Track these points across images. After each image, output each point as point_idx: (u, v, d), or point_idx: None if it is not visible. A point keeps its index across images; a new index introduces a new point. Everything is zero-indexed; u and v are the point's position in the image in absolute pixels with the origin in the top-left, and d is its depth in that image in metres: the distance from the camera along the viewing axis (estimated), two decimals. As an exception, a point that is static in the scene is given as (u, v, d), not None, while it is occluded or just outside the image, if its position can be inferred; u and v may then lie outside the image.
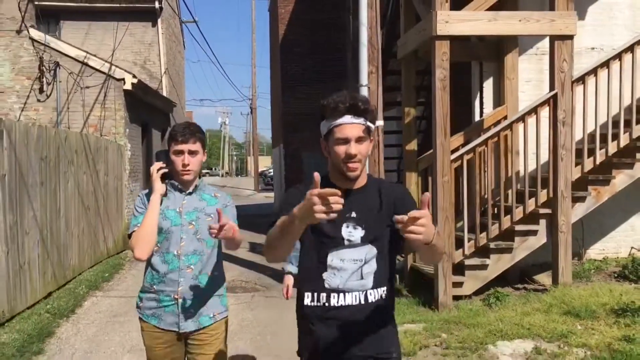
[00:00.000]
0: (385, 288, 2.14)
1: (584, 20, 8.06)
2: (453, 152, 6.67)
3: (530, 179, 6.73)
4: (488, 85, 8.05)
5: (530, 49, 7.97)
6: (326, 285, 2.11)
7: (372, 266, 2.11)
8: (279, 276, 8.87)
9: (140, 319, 2.90)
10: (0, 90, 11.37)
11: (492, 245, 6.60)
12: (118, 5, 16.35)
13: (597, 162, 6.74)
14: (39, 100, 11.55)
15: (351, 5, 6.95)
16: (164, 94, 17.12)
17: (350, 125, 2.01)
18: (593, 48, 8.04)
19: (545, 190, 6.63)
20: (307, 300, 2.14)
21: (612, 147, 6.75)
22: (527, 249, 6.70)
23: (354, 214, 2.10)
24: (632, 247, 7.90)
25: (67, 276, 7.93)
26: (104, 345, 5.53)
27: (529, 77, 7.95)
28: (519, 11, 6.85)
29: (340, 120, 2.02)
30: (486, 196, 6.69)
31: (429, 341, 5.29)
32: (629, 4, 8.13)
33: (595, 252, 7.95)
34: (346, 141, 2.02)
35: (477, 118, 8.06)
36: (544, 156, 6.74)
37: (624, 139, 6.76)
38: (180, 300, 2.78)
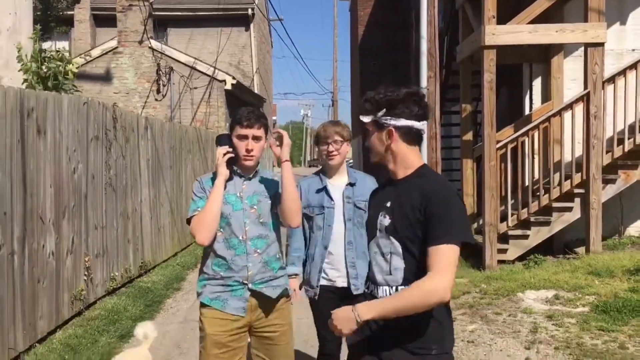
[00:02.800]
0: None
1: (625, 25, 9.14)
2: (501, 141, 8.05)
3: (567, 165, 7.99)
4: (537, 83, 9.30)
5: (575, 52, 9.13)
6: (370, 274, 2.21)
7: (400, 262, 2.08)
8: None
9: (201, 304, 2.80)
10: (126, 92, 13.65)
11: (532, 219, 7.93)
12: (216, 13, 18.49)
13: (626, 150, 7.90)
14: (156, 100, 13.77)
15: (414, 21, 8.43)
16: (255, 90, 19.15)
17: (363, 124, 2.18)
18: (634, 50, 9.08)
19: (579, 174, 7.87)
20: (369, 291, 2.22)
21: (639, 137, 7.89)
22: (563, 222, 7.98)
23: (388, 204, 2.13)
24: (667, 225, 8.93)
25: (187, 242, 9.95)
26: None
27: (574, 76, 9.11)
28: (555, 23, 8.07)
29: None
30: (528, 178, 8.02)
31: (470, 289, 6.78)
32: (668, 9, 9.11)
33: (634, 229, 9.04)
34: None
35: (527, 112, 9.33)
36: (580, 146, 7.98)
37: (650, 130, 7.88)
38: (250, 285, 2.74)
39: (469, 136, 9.15)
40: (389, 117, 2.09)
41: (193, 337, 5.43)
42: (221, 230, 2.73)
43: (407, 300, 1.93)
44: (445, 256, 1.95)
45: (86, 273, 5.75)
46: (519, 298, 6.36)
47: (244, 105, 16.78)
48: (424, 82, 7.95)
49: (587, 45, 7.74)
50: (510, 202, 7.99)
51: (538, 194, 8.03)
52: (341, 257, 3.25)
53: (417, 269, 2.03)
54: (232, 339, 2.75)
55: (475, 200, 9.03)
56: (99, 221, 6.14)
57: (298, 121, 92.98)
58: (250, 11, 18.75)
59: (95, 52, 13.81)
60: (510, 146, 7.88)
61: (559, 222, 7.98)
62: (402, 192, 2.10)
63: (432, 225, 1.98)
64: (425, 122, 2.15)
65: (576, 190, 7.90)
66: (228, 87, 13.68)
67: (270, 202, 2.82)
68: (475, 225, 8.65)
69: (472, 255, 8.41)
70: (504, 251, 7.97)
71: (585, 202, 7.84)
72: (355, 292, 3.17)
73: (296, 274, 3.33)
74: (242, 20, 19.05)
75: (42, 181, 4.89)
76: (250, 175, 2.84)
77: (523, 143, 7.93)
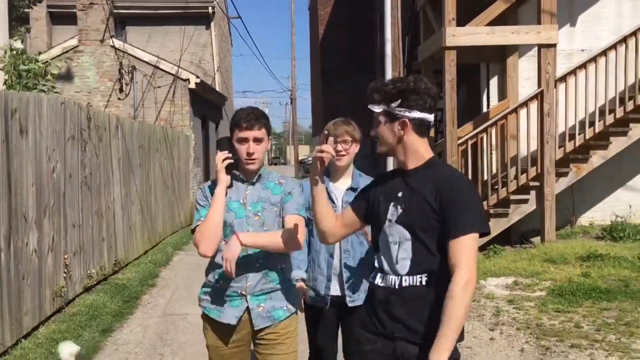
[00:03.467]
0: (424, 276, 2.06)
1: (575, 27, 9.69)
2: (462, 137, 8.45)
3: (523, 159, 8.46)
4: (494, 82, 9.77)
5: (529, 52, 9.62)
6: (376, 265, 2.19)
7: (408, 252, 2.08)
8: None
9: (203, 315, 2.74)
10: (88, 90, 13.57)
11: (491, 211, 8.36)
12: (176, 11, 18.45)
13: (577, 145, 8.43)
14: (119, 99, 13.73)
15: (378, 23, 8.76)
16: (217, 89, 19.20)
17: (374, 118, 2.16)
18: (583, 50, 9.64)
19: (534, 168, 8.35)
20: (374, 278, 2.21)
21: (589, 133, 8.42)
22: (520, 214, 8.45)
23: (399, 194, 2.12)
24: (615, 215, 9.53)
25: (157, 240, 10.04)
26: (197, 281, 7.56)
27: (528, 75, 9.61)
28: (511, 26, 8.53)
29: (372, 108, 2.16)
30: (487, 172, 8.45)
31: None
32: (614, 13, 9.70)
33: (585, 219, 9.61)
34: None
35: (484, 110, 9.79)
36: (535, 141, 8.46)
37: (598, 126, 8.42)
38: (249, 297, 2.61)
39: (430, 133, 9.52)
40: (402, 109, 2.08)
41: (173, 329, 5.62)
42: (225, 239, 2.60)
43: (459, 321, 1.93)
44: (466, 248, 1.98)
45: (66, 270, 5.85)
46: (481, 285, 6.76)
47: (207, 103, 16.88)
48: (388, 82, 8.28)
49: (540, 46, 8.22)
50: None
51: (497, 187, 8.47)
52: (337, 265, 3.09)
53: (427, 258, 2.05)
54: (234, 351, 2.68)
55: (437, 194, 9.41)
56: (76, 219, 6.23)
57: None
58: (210, 10, 18.77)
59: (55, 51, 13.66)
60: (470, 142, 8.29)
61: (516, 213, 8.45)
62: (414, 183, 2.10)
63: (449, 216, 2.01)
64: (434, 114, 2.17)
65: (532, 184, 8.38)
66: (192, 86, 13.76)
67: (275, 209, 2.66)
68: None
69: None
70: (466, 242, 8.36)
71: (540, 194, 8.32)
72: (350, 304, 3.06)
73: (303, 279, 3.11)
74: (203, 19, 19.05)
75: (24, 180, 4.99)
76: (254, 180, 2.69)
77: (482, 139, 8.36)
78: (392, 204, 2.13)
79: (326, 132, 2.60)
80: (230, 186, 2.64)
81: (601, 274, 6.86)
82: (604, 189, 9.63)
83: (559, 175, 8.43)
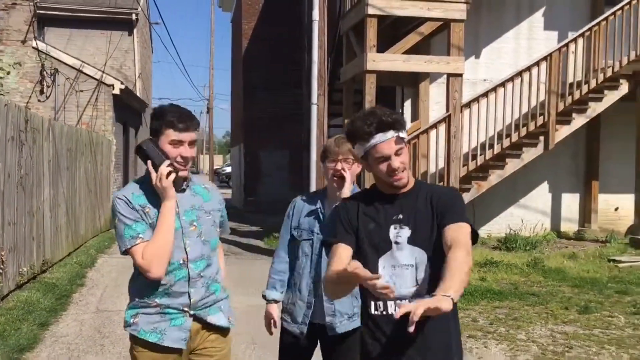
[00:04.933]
0: None
1: (479, 59, 10.84)
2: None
3: (432, 176, 9.38)
4: (407, 104, 10.72)
5: (439, 79, 10.65)
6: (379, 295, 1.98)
7: (427, 272, 2.03)
8: (244, 246, 11.28)
9: (132, 338, 2.42)
10: (7, 91, 13.31)
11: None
12: (98, 15, 18.34)
13: (478, 164, 9.46)
14: (39, 101, 13.57)
15: (306, 45, 9.45)
16: (138, 95, 19.19)
17: (384, 143, 2.01)
18: (485, 80, 10.79)
19: (441, 183, 9.27)
20: (372, 309, 2.08)
21: (489, 154, 9.48)
22: (428, 224, 9.33)
23: (400, 216, 2.07)
24: (509, 228, 10.69)
25: (79, 242, 10.12)
26: (125, 282, 7.80)
27: (438, 99, 10.63)
28: (424, 55, 9.49)
29: (372, 142, 2.01)
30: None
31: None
32: (512, 48, 10.94)
33: (483, 231, 10.69)
34: (386, 158, 2.02)
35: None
36: (442, 160, 9.40)
37: (496, 149, 9.51)
38: (191, 312, 2.40)
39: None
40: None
41: (109, 323, 5.94)
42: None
43: (463, 277, 1.85)
44: (465, 232, 2.00)
45: (1, 266, 6.02)
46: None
47: (128, 109, 16.88)
48: (314, 99, 8.96)
49: (449, 75, 9.20)
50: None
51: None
52: (320, 293, 2.85)
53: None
54: None
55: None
56: (12, 218, 6.40)
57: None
58: (134, 16, 18.80)
59: (-28, 48, 13.32)
60: (386, 158, 9.11)
61: (425, 224, 9.33)
62: (413, 201, 2.08)
63: (447, 211, 2.04)
64: None
65: (439, 197, 9.29)
66: (116, 91, 13.83)
67: (210, 217, 2.47)
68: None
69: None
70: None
71: (445, 207, 9.24)
72: (330, 333, 2.86)
73: (275, 300, 2.94)
74: (126, 25, 19.01)
75: (-29, 177, 5.19)
76: (184, 187, 2.43)
77: (359, 160, 9.20)
78: (392, 226, 2.07)
79: (329, 147, 2.71)
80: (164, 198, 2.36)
81: (495, 278, 7.84)
82: (500, 205, 10.80)
83: (462, 190, 9.39)
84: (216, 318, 2.47)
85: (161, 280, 2.34)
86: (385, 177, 2.05)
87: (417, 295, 2.01)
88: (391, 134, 2.01)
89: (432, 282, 1.99)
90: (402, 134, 2.04)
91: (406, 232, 2.06)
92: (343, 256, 2.07)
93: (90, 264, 8.92)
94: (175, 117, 2.34)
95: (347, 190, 2.77)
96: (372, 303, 2.08)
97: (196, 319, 2.42)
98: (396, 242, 2.06)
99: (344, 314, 2.85)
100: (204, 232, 2.44)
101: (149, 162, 2.33)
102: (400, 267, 2.05)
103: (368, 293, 2.01)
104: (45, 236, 7.91)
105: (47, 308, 6.19)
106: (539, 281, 7.85)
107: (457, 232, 1.98)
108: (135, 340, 2.41)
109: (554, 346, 5.26)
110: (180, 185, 2.41)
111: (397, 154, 2.02)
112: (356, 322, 2.73)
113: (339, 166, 2.79)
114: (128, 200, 2.35)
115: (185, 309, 2.39)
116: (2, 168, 6.00)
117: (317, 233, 2.85)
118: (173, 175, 2.33)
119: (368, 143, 2.01)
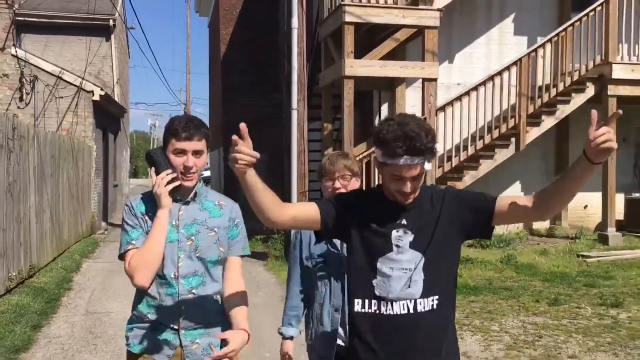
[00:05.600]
0: (437, 297, 2.04)
1: (453, 63, 11.22)
2: (358, 156, 9.55)
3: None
4: (384, 108, 11.04)
5: (415, 83, 10.98)
6: (376, 293, 2.05)
7: (420, 275, 2.03)
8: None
9: (128, 354, 2.41)
10: (-12, 99, 13.35)
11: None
12: (76, 22, 18.37)
13: (453, 165, 9.82)
14: (18, 107, 13.60)
15: (286, 51, 9.72)
16: (117, 100, 19.25)
17: (406, 167, 1.96)
18: (459, 84, 11.16)
19: (418, 184, 9.60)
20: (357, 307, 2.09)
21: (463, 155, 9.84)
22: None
23: (404, 221, 2.06)
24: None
25: (63, 247, 10.24)
26: (112, 285, 8.01)
27: (414, 103, 10.95)
28: (400, 61, 9.83)
29: (396, 161, 1.95)
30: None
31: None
32: (484, 53, 11.35)
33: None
34: (400, 179, 1.99)
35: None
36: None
37: (470, 150, 9.88)
38: (182, 332, 2.33)
39: (329, 151, 10.58)
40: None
41: (100, 324, 6.13)
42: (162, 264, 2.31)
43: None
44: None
45: (-8, 272, 6.18)
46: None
47: (108, 115, 16.94)
48: (294, 104, 9.22)
49: (424, 80, 9.54)
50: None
51: (386, 200, 9.63)
52: (345, 322, 2.67)
53: (442, 279, 2.07)
54: None
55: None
56: (1, 224, 6.55)
57: (143, 130, 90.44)
58: (111, 22, 18.86)
59: (-50, 56, 13.32)
60: (364, 160, 9.41)
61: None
62: (418, 208, 2.07)
63: (477, 202, 2.11)
64: None
65: (416, 198, 9.62)
66: (96, 97, 13.92)
67: (212, 234, 2.36)
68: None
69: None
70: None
71: (422, 207, 9.58)
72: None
73: (292, 337, 2.83)
74: (103, 31, 19.05)
75: (-36, 185, 5.35)
76: (189, 199, 2.38)
77: (375, 158, 9.50)
78: (394, 230, 2.06)
79: (324, 166, 2.69)
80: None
81: (471, 274, 8.19)
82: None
83: (438, 191, 9.74)
84: (205, 342, 2.33)
85: (153, 294, 2.31)
86: (393, 192, 2.04)
87: (405, 298, 2.04)
88: (417, 160, 1.95)
89: (425, 284, 2.04)
90: (427, 166, 1.99)
91: (409, 237, 2.06)
92: (303, 207, 2.20)
93: (76, 269, 9.06)
94: (180, 125, 2.30)
95: None
96: (359, 301, 2.09)
97: (188, 339, 2.33)
98: (397, 246, 2.06)
99: None
100: (200, 248, 2.34)
101: (152, 169, 2.32)
102: (397, 269, 2.05)
103: (354, 291, 2.09)
104: (32, 242, 8.05)
105: (37, 311, 6.35)
106: (512, 276, 8.23)
107: (506, 199, 2.08)
108: (130, 355, 2.39)
109: (525, 336, 5.60)
110: (187, 195, 2.36)
111: (413, 179, 1.99)
112: None
113: (337, 184, 2.71)
114: (132, 206, 2.36)
115: (174, 326, 2.32)
116: (-8, 175, 6.16)
117: (330, 258, 2.73)
118: (173, 185, 2.28)
119: (391, 160, 1.96)
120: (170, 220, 2.30)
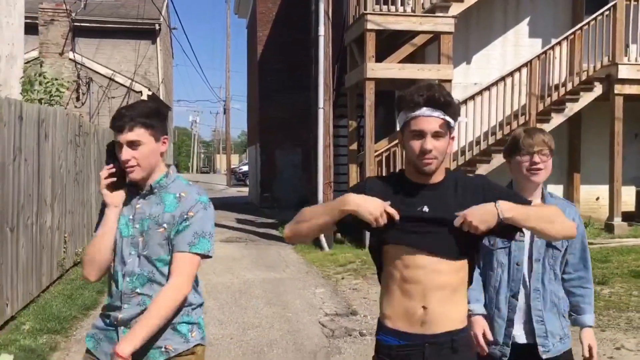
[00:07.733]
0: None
1: (470, 65, 12.07)
2: (377, 151, 10.53)
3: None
4: (406, 106, 11.95)
5: (434, 83, 11.87)
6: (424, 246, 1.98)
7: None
8: (261, 234, 12.61)
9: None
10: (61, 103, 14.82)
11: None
12: (125, 26, 19.83)
13: (467, 159, 10.70)
14: (75, 107, 15.03)
15: (313, 55, 10.77)
16: (162, 99, 20.68)
17: (426, 118, 1.91)
18: (476, 83, 11.98)
19: (434, 176, 10.51)
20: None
21: (476, 150, 10.71)
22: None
23: (425, 209, 1.98)
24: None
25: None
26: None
27: (433, 102, 11.84)
28: (417, 64, 10.75)
29: (416, 113, 1.92)
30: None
31: (354, 259, 9.12)
32: (500, 54, 12.16)
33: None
34: (422, 135, 1.93)
35: (397, 128, 11.93)
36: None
37: (483, 145, 10.74)
38: (121, 329, 2.20)
39: (354, 146, 11.61)
40: (453, 120, 2.00)
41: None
42: (114, 259, 2.25)
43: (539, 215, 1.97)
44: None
45: (65, 246, 7.42)
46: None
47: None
48: (321, 104, 10.27)
49: (439, 81, 10.44)
50: (384, 197, 10.50)
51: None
52: (522, 307, 2.54)
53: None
54: None
55: (358, 197, 11.49)
56: (70, 207, 7.80)
57: (184, 127, 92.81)
58: (157, 26, 20.26)
59: (16, 60, 14.83)
60: (384, 155, 10.40)
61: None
62: (440, 195, 2.00)
63: (505, 198, 1.99)
64: None
65: (432, 189, 10.56)
66: (144, 97, 15.27)
67: (161, 230, 2.19)
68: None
69: (355, 239, 10.84)
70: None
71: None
72: (544, 356, 2.51)
73: (484, 315, 2.54)
74: (150, 34, 20.49)
75: (45, 173, 6.58)
76: (145, 191, 2.24)
77: (394, 153, 10.48)
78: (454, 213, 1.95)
79: (520, 139, 2.48)
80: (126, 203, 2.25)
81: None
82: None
83: (452, 183, 10.64)
84: (147, 346, 2.15)
85: (111, 289, 2.28)
86: (415, 157, 1.96)
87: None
88: (438, 114, 1.92)
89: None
90: (449, 120, 1.94)
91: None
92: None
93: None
94: (114, 116, 2.17)
95: (541, 176, 2.50)
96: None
97: (122, 336, 2.18)
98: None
99: (556, 335, 2.54)
100: (148, 246, 2.20)
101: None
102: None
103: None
104: (93, 223, 9.31)
105: (101, 281, 7.57)
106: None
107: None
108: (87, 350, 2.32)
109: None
110: (144, 187, 2.24)
111: (434, 135, 1.92)
112: (567, 344, 2.59)
113: (536, 159, 2.47)
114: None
115: (115, 322, 2.21)
116: (65, 166, 7.39)
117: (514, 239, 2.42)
118: (109, 180, 2.20)
119: (412, 112, 1.94)
120: (128, 214, 2.23)
